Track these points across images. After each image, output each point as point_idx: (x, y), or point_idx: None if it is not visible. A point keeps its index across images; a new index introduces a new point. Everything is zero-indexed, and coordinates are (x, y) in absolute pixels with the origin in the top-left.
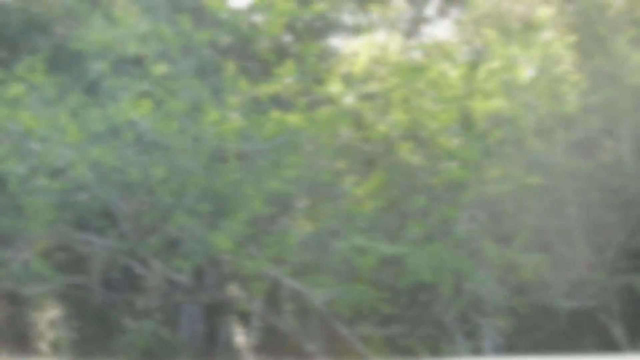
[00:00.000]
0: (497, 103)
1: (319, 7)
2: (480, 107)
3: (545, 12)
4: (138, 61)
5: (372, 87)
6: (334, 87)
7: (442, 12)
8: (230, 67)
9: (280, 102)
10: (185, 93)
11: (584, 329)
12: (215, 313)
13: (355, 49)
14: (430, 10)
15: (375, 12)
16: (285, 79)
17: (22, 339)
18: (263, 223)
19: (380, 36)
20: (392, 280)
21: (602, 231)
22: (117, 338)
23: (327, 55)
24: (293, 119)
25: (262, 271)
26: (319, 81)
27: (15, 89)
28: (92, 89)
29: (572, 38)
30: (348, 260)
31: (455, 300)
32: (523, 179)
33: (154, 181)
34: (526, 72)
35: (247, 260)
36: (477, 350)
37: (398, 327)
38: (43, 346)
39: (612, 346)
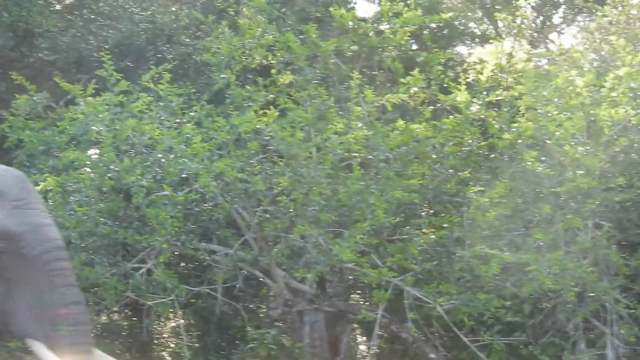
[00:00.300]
0: (624, 111)
1: (446, 15)
2: (607, 115)
3: None
4: (263, 71)
5: (498, 95)
6: (460, 95)
7: (569, 20)
8: (356, 76)
9: (405, 111)
10: (310, 102)
11: None
12: (337, 322)
13: (482, 57)
14: (556, 18)
15: (501, 20)
16: (412, 88)
17: (145, 348)
18: (386, 232)
19: (506, 44)
20: (514, 289)
21: None
22: (239, 347)
23: (454, 63)
24: (418, 128)
25: (385, 280)
26: (445, 90)
27: (142, 102)
28: (217, 99)
29: None
30: (471, 268)
31: (578, 308)
32: None
33: (277, 191)
34: None
35: (369, 270)
36: (600, 359)
37: (520, 335)
38: (165, 355)
39: None
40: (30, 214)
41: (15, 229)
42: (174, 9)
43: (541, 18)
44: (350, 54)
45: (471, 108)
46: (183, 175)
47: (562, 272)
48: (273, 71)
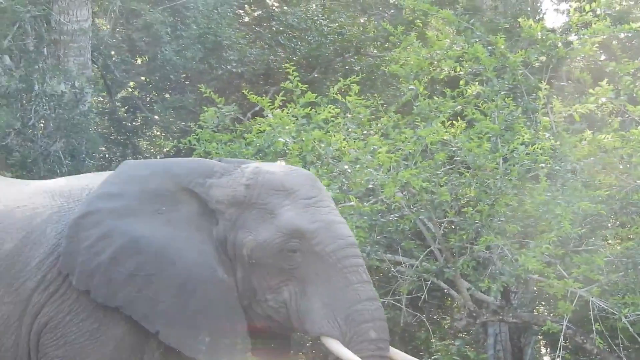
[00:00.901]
0: None
1: (636, 25)
2: None
3: None
4: (451, 82)
5: None
6: None
7: None
8: (544, 86)
9: (593, 122)
10: (498, 113)
11: None
12: (522, 333)
13: None
14: None
15: None
16: (600, 98)
17: None
18: (572, 243)
19: None
20: None
21: None
22: (423, 358)
23: None
24: (606, 138)
25: (570, 291)
26: (634, 100)
27: (328, 111)
28: (404, 111)
29: None
30: None
31: None
32: None
33: (463, 202)
34: None
35: (555, 280)
36: None
37: None
38: None
39: None
40: (322, 212)
41: (308, 227)
42: (362, 20)
43: None
44: (538, 64)
45: None
46: (369, 186)
47: None
48: (461, 82)
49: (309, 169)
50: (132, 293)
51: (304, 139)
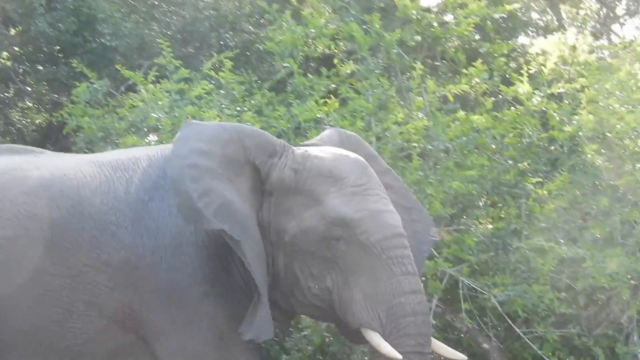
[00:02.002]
0: None
1: (510, 6)
2: None
3: None
4: (326, 60)
5: (560, 87)
6: (522, 87)
7: (632, 12)
8: (419, 66)
9: (466, 102)
10: (371, 92)
11: None
12: None
13: (544, 49)
14: (619, 10)
15: (565, 11)
16: (474, 79)
17: None
18: (443, 222)
19: (569, 36)
20: (569, 281)
21: None
22: (292, 334)
23: (516, 55)
24: (479, 119)
25: (440, 270)
26: (507, 81)
27: (202, 87)
28: (278, 88)
29: None
30: (527, 260)
31: (632, 301)
32: None
33: None
34: None
35: (425, 260)
36: None
37: (574, 327)
38: None
39: None
40: (369, 200)
41: (352, 215)
42: None
43: (604, 9)
44: (413, 44)
45: (533, 100)
46: None
47: (618, 270)
48: (335, 61)
49: None
50: None
51: (177, 114)
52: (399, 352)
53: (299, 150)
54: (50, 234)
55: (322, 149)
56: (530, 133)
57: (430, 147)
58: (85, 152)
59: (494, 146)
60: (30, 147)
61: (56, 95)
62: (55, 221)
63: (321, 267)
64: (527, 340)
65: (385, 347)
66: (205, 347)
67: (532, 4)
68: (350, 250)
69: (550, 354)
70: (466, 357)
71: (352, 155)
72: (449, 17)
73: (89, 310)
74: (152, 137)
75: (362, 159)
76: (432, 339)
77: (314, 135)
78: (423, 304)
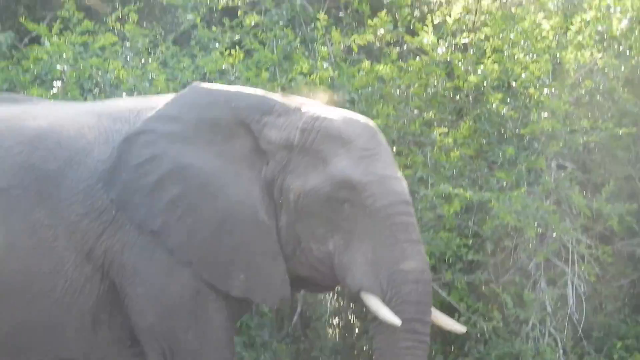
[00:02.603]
0: (590, 54)
1: None
2: (573, 58)
3: None
4: (230, 12)
5: (465, 37)
6: (427, 37)
7: None
8: (323, 17)
9: (371, 53)
10: (276, 43)
11: None
12: None
13: None
14: None
15: None
16: (378, 29)
17: None
18: None
19: None
20: (476, 228)
21: None
22: None
23: (421, 5)
24: (384, 69)
25: None
26: (412, 31)
27: (106, 39)
28: (182, 40)
29: None
30: (434, 207)
31: (539, 248)
32: (613, 129)
33: None
34: (620, 23)
35: None
36: (560, 298)
37: (481, 273)
38: None
39: None
40: (377, 165)
41: (360, 178)
42: None
43: None
44: None
45: (437, 50)
46: None
47: (524, 210)
48: (239, 12)
49: (86, 97)
50: (171, 220)
51: (81, 66)
52: (399, 318)
53: (308, 110)
54: (45, 185)
55: (331, 111)
56: (436, 83)
57: (335, 97)
58: None
59: (399, 96)
60: (29, 96)
61: None
62: (51, 172)
63: (324, 229)
64: (435, 287)
65: (386, 313)
66: (180, 299)
67: None
68: (354, 214)
69: (458, 300)
70: (465, 329)
71: (362, 118)
72: None
73: (78, 259)
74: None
75: (372, 123)
76: (433, 308)
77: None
78: (426, 273)
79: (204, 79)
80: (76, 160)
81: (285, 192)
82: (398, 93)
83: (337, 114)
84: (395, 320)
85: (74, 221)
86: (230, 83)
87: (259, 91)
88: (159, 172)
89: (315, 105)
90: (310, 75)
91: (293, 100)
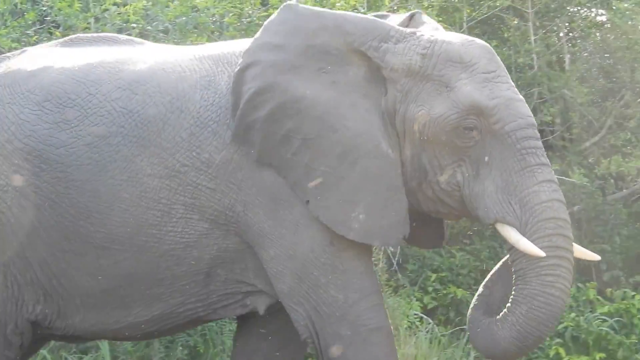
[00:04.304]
0: None
1: None
2: None
3: None
4: None
5: None
6: None
7: None
8: None
9: None
10: None
11: None
12: None
13: None
14: None
15: None
16: None
17: None
18: None
19: None
20: None
21: None
22: None
23: None
24: None
25: None
26: None
27: None
28: None
29: None
30: None
31: None
32: None
33: None
34: None
35: None
36: None
37: None
38: None
39: None
40: (501, 88)
41: (487, 103)
42: None
43: None
44: None
45: None
46: None
47: None
48: None
49: None
50: (287, 155)
51: None
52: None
53: (424, 34)
54: (146, 131)
55: (448, 34)
56: (250, 12)
57: (149, 27)
58: None
59: (213, 26)
60: (130, 37)
61: None
62: (151, 118)
63: (451, 158)
64: None
65: (526, 244)
66: (313, 252)
67: None
68: (482, 141)
69: None
70: (599, 257)
71: (479, 40)
72: None
73: (189, 213)
74: None
75: (488, 45)
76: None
77: (31, 16)
78: (559, 192)
79: (15, 8)
80: (177, 106)
81: (409, 122)
82: (212, 23)
83: (454, 37)
84: (537, 251)
85: (180, 172)
86: (42, 13)
87: (368, 16)
88: (270, 105)
89: (429, 29)
90: (124, 6)
91: (404, 24)
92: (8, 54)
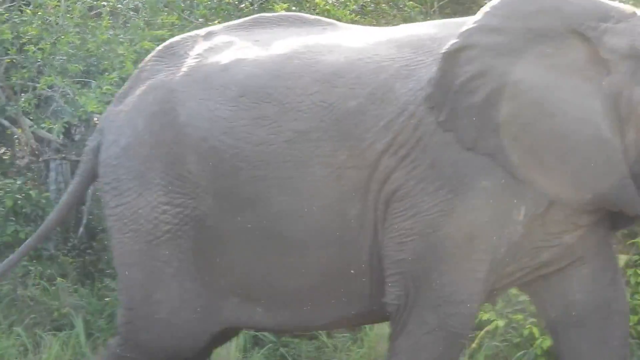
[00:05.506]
0: None
1: None
2: None
3: None
4: None
5: None
6: None
7: None
8: None
9: None
10: None
11: None
12: None
13: None
14: None
15: None
16: None
17: None
18: None
19: None
20: None
21: None
22: None
23: None
24: None
25: None
26: None
27: None
28: None
29: None
30: None
31: None
32: None
33: (25, 39)
34: None
35: None
36: None
37: None
38: None
39: None
40: None
41: None
42: None
43: None
44: None
45: None
46: None
47: None
48: None
49: None
50: (505, 140)
51: None
52: None
53: None
54: (346, 124)
55: None
56: None
57: (119, 5)
58: None
59: (183, 5)
60: (318, 18)
61: None
62: (351, 110)
63: None
64: None
65: None
66: (450, 241)
67: None
68: None
69: None
70: None
71: None
72: None
73: (379, 200)
74: None
75: None
76: None
77: None
78: None
79: None
80: (378, 97)
81: (635, 106)
82: (182, 1)
83: None
84: None
85: (375, 160)
86: None
87: None
88: (487, 89)
89: None
90: None
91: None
92: (191, 35)
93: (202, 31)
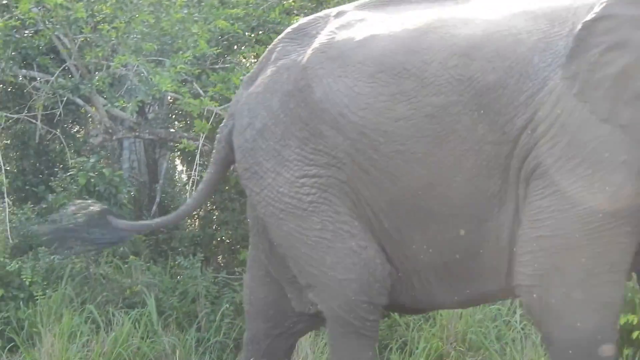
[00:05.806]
0: None
1: None
2: None
3: None
4: None
5: None
6: None
7: None
8: None
9: None
10: None
11: None
12: (157, 149)
13: None
14: None
15: None
16: None
17: None
18: (209, 61)
19: None
20: None
21: None
22: (58, 173)
23: None
24: None
25: (207, 109)
26: None
27: None
28: None
29: None
30: None
31: None
32: None
33: (99, 18)
34: None
35: (191, 100)
36: None
37: None
38: None
39: None
40: None
41: None
42: None
43: None
44: None
45: None
46: (4, 2)
47: None
48: None
49: None
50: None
51: None
52: None
53: None
54: (486, 98)
55: None
56: None
57: None
58: None
59: None
60: None
61: None
62: (490, 84)
63: None
64: None
65: None
66: (573, 226)
67: None
68: None
69: None
70: None
71: None
72: None
73: (520, 179)
74: None
75: None
76: None
77: None
78: None
79: None
80: (517, 70)
81: None
82: None
83: None
84: None
85: (515, 136)
86: None
87: None
88: (623, 61)
89: None
90: None
91: None
92: (321, 16)
93: (333, 10)
